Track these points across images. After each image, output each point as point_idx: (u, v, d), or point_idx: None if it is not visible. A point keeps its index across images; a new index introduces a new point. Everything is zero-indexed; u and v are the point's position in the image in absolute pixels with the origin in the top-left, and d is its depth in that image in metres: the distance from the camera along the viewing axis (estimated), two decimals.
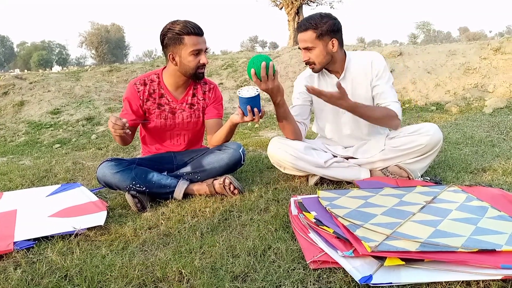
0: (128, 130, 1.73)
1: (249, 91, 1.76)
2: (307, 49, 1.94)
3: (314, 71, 2.02)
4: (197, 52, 1.89)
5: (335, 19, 1.94)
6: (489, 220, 1.41)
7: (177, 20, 1.89)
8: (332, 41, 1.92)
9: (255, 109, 1.78)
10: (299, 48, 2.00)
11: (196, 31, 1.86)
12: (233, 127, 1.98)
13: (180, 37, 1.85)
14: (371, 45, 14.29)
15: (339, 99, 1.77)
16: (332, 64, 2.00)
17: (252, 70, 1.73)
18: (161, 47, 1.95)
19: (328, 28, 1.89)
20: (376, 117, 1.92)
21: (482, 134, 3.17)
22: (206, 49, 1.94)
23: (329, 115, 2.12)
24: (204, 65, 1.93)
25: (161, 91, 2.02)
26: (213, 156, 2.03)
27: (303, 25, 1.92)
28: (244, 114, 1.81)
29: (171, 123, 2.06)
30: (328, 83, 2.07)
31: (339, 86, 1.73)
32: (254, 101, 1.76)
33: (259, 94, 1.76)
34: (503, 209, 1.50)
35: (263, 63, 1.72)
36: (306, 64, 1.99)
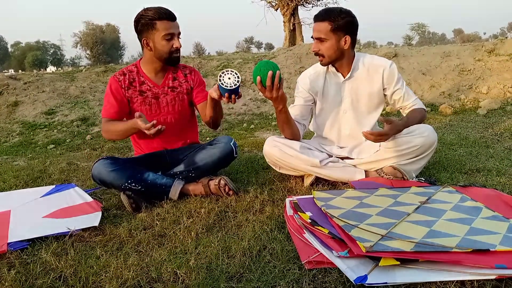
0: (161, 126, 1.74)
1: (231, 79, 1.73)
2: (319, 39, 1.94)
3: (322, 63, 2.02)
4: (170, 37, 1.93)
5: (354, 17, 1.94)
6: (483, 220, 1.42)
7: (149, 7, 1.93)
8: (346, 37, 1.92)
9: (233, 95, 1.77)
10: (311, 37, 1.99)
11: (168, 16, 1.91)
12: (216, 102, 1.97)
13: (152, 22, 1.90)
14: (366, 46, 14.35)
15: (394, 129, 1.86)
16: (340, 61, 2.00)
17: (258, 78, 1.73)
18: (136, 34, 1.98)
19: (344, 24, 1.90)
20: (418, 122, 2.02)
21: (476, 135, 3.19)
22: (179, 33, 1.98)
23: (329, 114, 2.13)
24: (177, 49, 1.98)
25: (141, 79, 2.05)
26: (205, 152, 2.04)
27: (320, 16, 1.92)
28: (221, 96, 1.81)
29: (156, 108, 2.07)
30: (333, 82, 2.08)
31: (382, 119, 1.83)
32: (235, 91, 1.76)
33: (239, 83, 1.75)
34: (497, 209, 1.51)
35: (270, 73, 1.71)
36: (315, 54, 1.99)
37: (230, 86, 1.73)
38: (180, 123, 2.16)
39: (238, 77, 1.74)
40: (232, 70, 1.74)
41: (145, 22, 1.91)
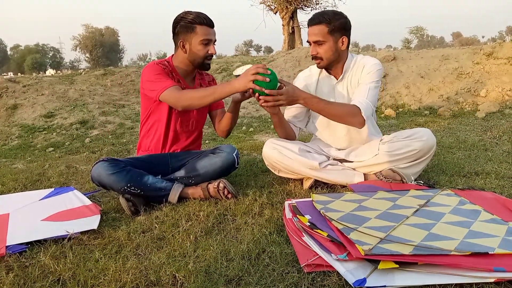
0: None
1: (243, 70, 1.76)
2: (317, 43, 1.94)
3: (319, 66, 2.03)
4: (207, 42, 1.95)
5: (347, 18, 1.96)
6: (482, 223, 1.42)
7: (190, 11, 1.96)
8: (343, 38, 1.94)
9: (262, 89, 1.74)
10: (307, 42, 2.00)
11: (208, 22, 1.94)
12: (238, 106, 2.07)
13: (192, 25, 1.92)
14: (365, 49, 14.38)
15: (292, 92, 1.79)
16: (336, 63, 2.01)
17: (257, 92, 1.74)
18: (172, 35, 2.00)
19: (340, 25, 1.91)
20: (336, 113, 1.89)
21: (475, 138, 3.20)
22: (215, 41, 2.00)
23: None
24: (212, 55, 2.00)
25: (177, 77, 2.04)
26: (207, 160, 2.04)
27: (316, 18, 1.93)
28: (244, 92, 1.85)
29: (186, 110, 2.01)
30: (326, 85, 2.08)
31: (282, 81, 1.79)
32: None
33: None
34: (495, 212, 1.51)
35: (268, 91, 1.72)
36: (313, 58, 2.00)
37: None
38: (197, 129, 2.20)
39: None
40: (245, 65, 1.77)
41: (184, 25, 1.93)
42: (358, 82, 2.00)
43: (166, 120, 2.06)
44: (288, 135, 2.11)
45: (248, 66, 1.77)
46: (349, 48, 2.04)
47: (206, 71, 2.16)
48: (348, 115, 1.88)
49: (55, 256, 1.41)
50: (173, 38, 2.01)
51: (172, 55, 2.08)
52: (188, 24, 1.92)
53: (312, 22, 1.94)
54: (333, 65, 2.02)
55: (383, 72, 2.07)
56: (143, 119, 2.13)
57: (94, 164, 1.92)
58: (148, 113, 2.09)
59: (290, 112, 2.15)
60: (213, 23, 1.97)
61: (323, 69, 2.07)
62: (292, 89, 1.81)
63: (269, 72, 1.71)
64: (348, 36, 1.97)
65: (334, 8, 13.62)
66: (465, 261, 1.15)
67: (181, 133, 2.13)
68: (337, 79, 2.05)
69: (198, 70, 2.12)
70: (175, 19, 1.97)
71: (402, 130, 2.06)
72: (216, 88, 1.83)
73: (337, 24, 1.90)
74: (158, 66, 1.98)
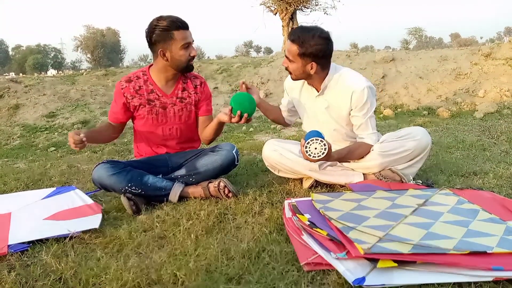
0: (84, 139, 1.79)
1: (317, 148, 1.73)
2: (287, 58, 1.92)
3: (292, 78, 2.02)
4: (187, 46, 1.92)
5: (327, 44, 1.85)
6: (480, 222, 1.43)
7: (161, 16, 1.90)
8: (312, 64, 1.86)
9: (245, 114, 1.82)
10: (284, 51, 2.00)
11: (183, 25, 1.90)
12: (222, 125, 2.05)
13: (169, 33, 1.87)
14: (363, 50, 14.37)
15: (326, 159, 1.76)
16: (310, 80, 1.99)
17: (238, 112, 1.81)
18: (148, 44, 1.95)
19: (313, 51, 1.82)
20: (357, 157, 1.99)
21: (473, 138, 3.21)
22: (193, 41, 1.97)
23: (309, 122, 2.11)
24: (193, 57, 1.98)
25: (150, 87, 2.03)
26: (207, 158, 2.05)
27: (292, 35, 1.87)
28: (232, 115, 1.84)
29: (163, 118, 2.06)
30: (308, 94, 2.07)
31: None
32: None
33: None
34: (494, 211, 1.52)
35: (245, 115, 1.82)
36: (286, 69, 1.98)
37: (317, 156, 1.71)
38: (185, 134, 2.16)
39: (324, 147, 1.71)
40: (318, 138, 1.71)
41: (160, 33, 1.86)
42: (351, 109, 1.93)
43: (151, 131, 2.09)
44: (277, 119, 2.28)
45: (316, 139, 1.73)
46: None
47: (196, 75, 2.15)
48: (364, 153, 1.98)
49: (57, 255, 1.42)
50: (150, 47, 1.95)
51: (151, 64, 2.06)
52: (164, 32, 1.86)
53: (290, 36, 1.88)
54: (308, 81, 1.99)
55: (375, 90, 2.03)
56: (134, 128, 2.16)
57: (95, 167, 1.93)
58: (135, 122, 2.12)
59: (283, 107, 2.26)
60: (187, 24, 1.92)
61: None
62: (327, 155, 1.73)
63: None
64: (321, 62, 1.87)
65: (333, 10, 13.58)
66: (463, 260, 1.16)
67: (167, 139, 2.13)
68: (317, 92, 2.01)
69: (183, 74, 2.08)
70: (148, 28, 1.90)
71: (397, 130, 2.06)
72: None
73: (309, 51, 1.81)
74: (117, 86, 2.03)
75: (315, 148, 1.71)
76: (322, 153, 1.70)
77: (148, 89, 2.02)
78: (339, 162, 2.02)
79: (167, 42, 1.88)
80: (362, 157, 2.00)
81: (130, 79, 2.03)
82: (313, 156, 1.71)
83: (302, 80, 2.04)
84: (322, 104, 2.01)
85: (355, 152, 1.98)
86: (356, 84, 1.90)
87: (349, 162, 2.04)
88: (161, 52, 1.91)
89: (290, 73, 1.96)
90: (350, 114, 1.96)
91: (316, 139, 1.70)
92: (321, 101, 2.01)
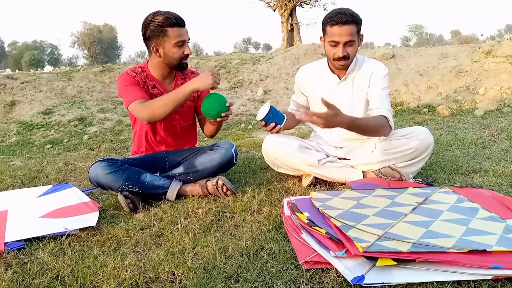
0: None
1: (261, 111, 1.82)
2: (348, 43, 1.86)
3: (344, 66, 1.95)
4: (181, 44, 1.88)
5: None
6: (480, 221, 1.42)
7: (158, 12, 1.87)
8: (361, 36, 1.95)
9: (272, 123, 1.84)
10: (333, 42, 1.87)
11: (178, 22, 1.85)
12: (220, 122, 1.96)
13: (163, 29, 1.83)
14: (364, 47, 14.36)
15: (334, 117, 1.59)
16: (345, 63, 1.94)
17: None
18: (142, 39, 1.93)
19: (361, 23, 1.90)
20: (371, 129, 1.84)
21: (473, 136, 3.20)
22: (188, 39, 1.93)
23: (321, 109, 2.10)
24: (187, 55, 1.93)
25: (153, 82, 2.00)
26: (205, 156, 2.03)
27: (345, 18, 1.82)
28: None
29: None
30: (327, 83, 2.05)
31: (325, 102, 1.55)
32: (267, 118, 1.82)
33: (270, 109, 1.81)
34: (493, 210, 1.52)
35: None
36: (339, 59, 1.89)
37: (261, 116, 1.81)
38: (185, 130, 2.15)
39: (267, 105, 1.83)
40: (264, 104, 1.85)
41: (154, 29, 1.84)
42: (369, 87, 1.97)
43: (150, 126, 2.05)
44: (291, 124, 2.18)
45: (266, 106, 1.81)
46: None
47: (193, 71, 2.13)
48: (380, 126, 1.85)
49: (54, 252, 1.41)
50: (145, 42, 1.92)
51: (148, 60, 2.04)
52: (159, 28, 1.83)
53: (345, 21, 1.82)
54: (342, 65, 1.96)
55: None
56: (132, 124, 2.14)
57: (91, 165, 1.91)
58: (133, 118, 2.09)
59: (292, 105, 2.25)
60: (184, 22, 1.88)
61: (325, 67, 2.05)
62: (335, 114, 1.58)
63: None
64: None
65: (333, 6, 13.59)
66: (463, 258, 1.15)
67: (167, 137, 2.10)
68: (340, 79, 2.03)
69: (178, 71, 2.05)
70: (143, 23, 1.87)
71: (400, 128, 2.06)
72: (177, 91, 1.79)
73: (361, 23, 1.89)
74: (127, 76, 1.95)
75: (260, 112, 1.82)
76: (265, 110, 1.80)
77: (151, 83, 2.00)
78: (350, 129, 1.77)
79: (161, 38, 1.86)
80: (377, 134, 1.90)
81: (136, 71, 1.99)
82: (260, 117, 1.81)
83: (318, 70, 2.08)
84: (345, 90, 2.03)
85: (370, 121, 1.84)
86: (375, 65, 2.00)
87: (361, 135, 1.92)
88: (154, 48, 1.89)
89: (348, 58, 1.90)
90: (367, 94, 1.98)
91: (262, 108, 1.82)
92: (345, 87, 2.03)
